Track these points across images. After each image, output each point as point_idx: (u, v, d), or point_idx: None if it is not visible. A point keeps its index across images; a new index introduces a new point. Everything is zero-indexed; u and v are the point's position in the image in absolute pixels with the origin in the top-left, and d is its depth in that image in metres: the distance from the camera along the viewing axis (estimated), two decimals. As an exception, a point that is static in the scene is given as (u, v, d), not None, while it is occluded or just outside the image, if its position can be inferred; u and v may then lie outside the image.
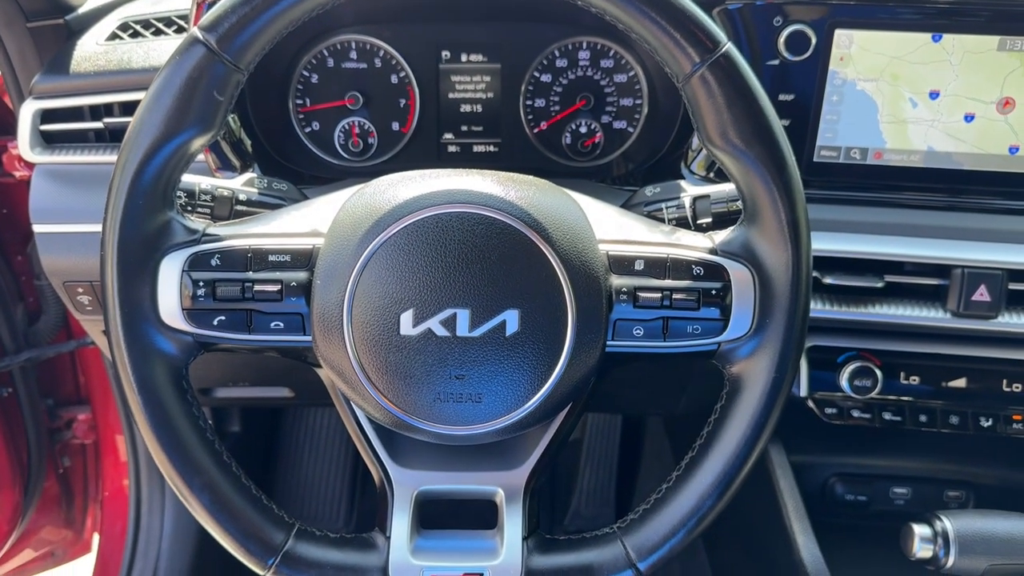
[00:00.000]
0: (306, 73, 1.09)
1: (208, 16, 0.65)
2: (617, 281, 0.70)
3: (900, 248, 0.96)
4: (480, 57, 1.10)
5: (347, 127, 1.10)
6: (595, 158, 1.13)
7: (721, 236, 0.72)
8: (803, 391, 1.04)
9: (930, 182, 0.96)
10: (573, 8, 0.68)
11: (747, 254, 0.70)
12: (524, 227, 0.67)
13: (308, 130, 1.11)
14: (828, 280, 0.97)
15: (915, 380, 1.03)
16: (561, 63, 1.10)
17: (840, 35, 0.91)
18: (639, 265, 0.70)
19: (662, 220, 0.84)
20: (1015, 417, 1.03)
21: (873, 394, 1.01)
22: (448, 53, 1.10)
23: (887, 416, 1.04)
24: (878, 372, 1.01)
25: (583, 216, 0.71)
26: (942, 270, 0.96)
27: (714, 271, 0.70)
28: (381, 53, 1.09)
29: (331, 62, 1.09)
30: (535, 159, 1.12)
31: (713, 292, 0.69)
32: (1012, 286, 0.95)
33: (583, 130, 1.12)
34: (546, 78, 1.10)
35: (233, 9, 0.65)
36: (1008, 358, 1.02)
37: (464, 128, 1.12)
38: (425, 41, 1.09)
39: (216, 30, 0.65)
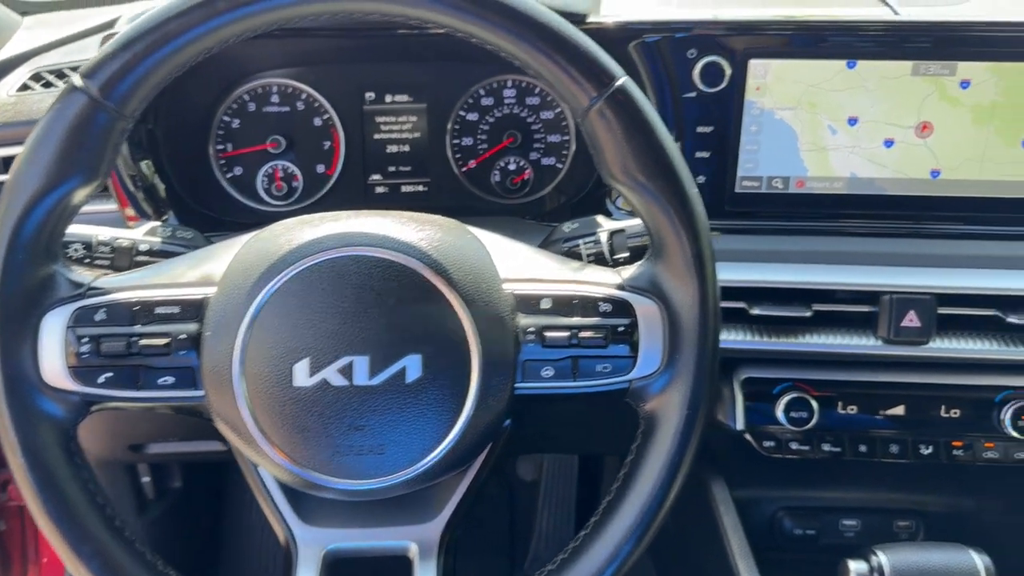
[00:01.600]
0: (227, 118, 1.07)
1: (89, 63, 0.64)
2: (524, 321, 0.68)
3: (827, 276, 0.95)
4: (405, 97, 1.09)
5: (270, 171, 1.09)
6: (525, 195, 1.12)
7: (629, 272, 0.70)
8: (739, 425, 1.02)
9: (854, 208, 0.96)
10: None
11: (654, 289, 0.68)
12: (424, 268, 0.65)
13: (230, 175, 1.09)
14: (756, 311, 0.95)
15: (853, 410, 1.01)
16: (487, 101, 1.09)
17: (755, 65, 0.91)
18: (546, 304, 0.68)
19: (579, 257, 0.82)
20: (955, 444, 1.01)
21: (810, 425, 0.99)
22: (373, 94, 1.09)
23: (826, 447, 1.02)
24: (814, 403, 0.99)
25: (487, 255, 0.69)
26: (871, 297, 0.95)
27: (621, 307, 0.68)
28: (304, 96, 1.08)
29: (252, 106, 1.08)
30: (465, 198, 1.11)
31: (620, 329, 0.68)
32: (942, 311, 0.94)
33: (512, 167, 1.11)
34: (472, 116, 1.09)
35: (114, 55, 0.63)
36: (945, 383, 1.01)
37: (392, 169, 1.10)
38: (348, 82, 1.08)
39: (97, 77, 0.63)
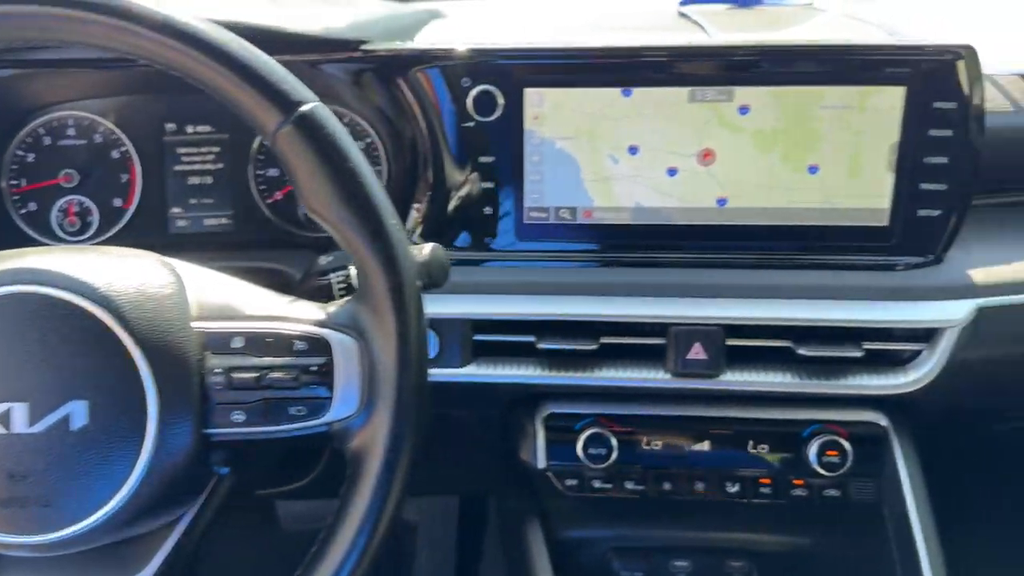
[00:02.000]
0: (20, 152, 1.04)
1: None
2: (212, 361, 0.64)
3: (615, 308, 0.92)
4: (207, 128, 1.06)
5: (64, 206, 1.05)
6: (332, 228, 1.08)
7: (334, 307, 0.66)
8: (541, 463, 0.98)
9: (642, 239, 0.93)
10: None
11: (354, 325, 0.65)
12: (91, 305, 0.61)
13: (24, 211, 1.05)
14: (543, 345, 0.92)
15: (657, 445, 0.98)
16: (293, 131, 1.06)
17: (531, 94, 0.89)
18: (237, 342, 0.64)
19: (331, 291, 0.79)
20: (763, 481, 0.98)
21: (609, 462, 0.96)
22: (173, 125, 1.05)
23: (629, 485, 0.98)
24: (612, 439, 0.96)
25: (178, 291, 0.65)
26: (660, 329, 0.92)
27: (318, 345, 0.64)
28: (101, 128, 1.04)
29: (48, 140, 1.04)
30: (271, 230, 1.07)
31: (314, 368, 0.64)
32: (732, 342, 0.91)
33: (319, 199, 1.07)
34: (280, 148, 1.06)
35: None
36: (753, 417, 0.98)
37: (193, 201, 1.07)
38: (148, 114, 1.05)
39: None
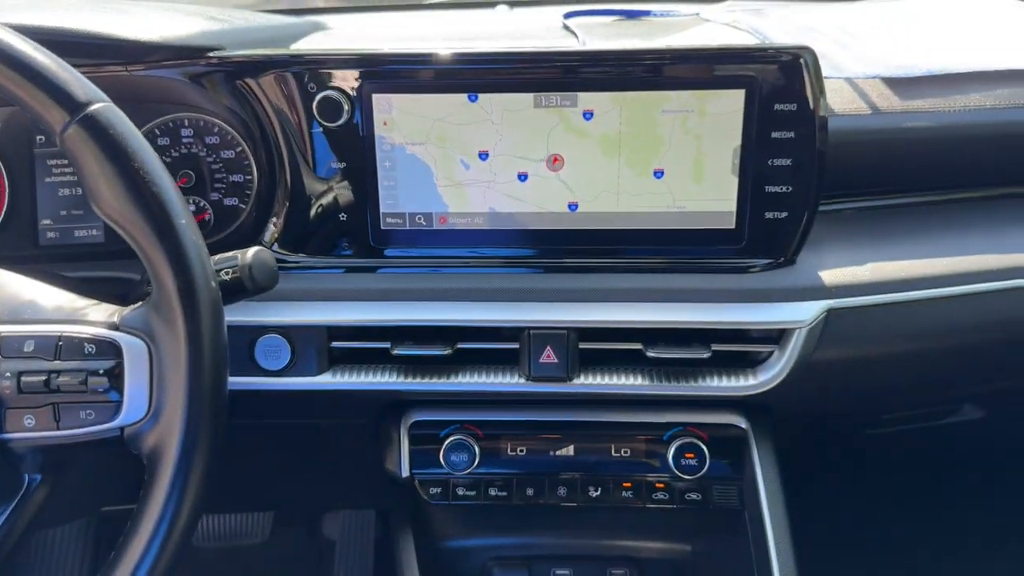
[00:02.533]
0: None
1: None
2: (4, 365, 0.63)
3: (470, 313, 0.91)
4: (77, 139, 1.05)
5: (-71, 219, 1.04)
6: (207, 235, 1.08)
7: (129, 310, 0.66)
8: (405, 472, 0.98)
9: (497, 244, 0.93)
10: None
11: (145, 328, 0.64)
12: None
13: None
14: (398, 351, 0.92)
15: (521, 451, 0.98)
16: (163, 141, 1.06)
17: (379, 99, 0.89)
18: (29, 346, 0.64)
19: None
20: (625, 485, 0.97)
21: (471, 469, 0.95)
22: (43, 137, 1.05)
23: (493, 492, 0.97)
24: (475, 446, 0.95)
25: None
26: (515, 333, 0.92)
27: (108, 349, 0.64)
28: (-31, 140, 1.04)
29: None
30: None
31: (102, 372, 0.63)
32: (585, 346, 0.91)
33: (191, 208, 1.07)
34: (148, 157, 1.06)
35: None
36: (617, 421, 0.98)
37: (64, 213, 1.06)
38: (18, 125, 1.05)
39: None
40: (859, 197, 1.01)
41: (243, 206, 1.08)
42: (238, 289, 0.74)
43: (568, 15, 1.26)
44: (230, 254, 0.77)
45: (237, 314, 0.92)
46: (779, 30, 1.15)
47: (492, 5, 1.42)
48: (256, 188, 1.06)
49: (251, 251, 0.73)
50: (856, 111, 0.97)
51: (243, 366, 0.92)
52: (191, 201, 1.07)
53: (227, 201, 1.08)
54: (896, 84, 1.00)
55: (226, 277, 0.75)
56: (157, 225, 0.62)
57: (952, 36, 1.14)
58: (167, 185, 0.63)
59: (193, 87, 0.95)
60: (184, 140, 1.06)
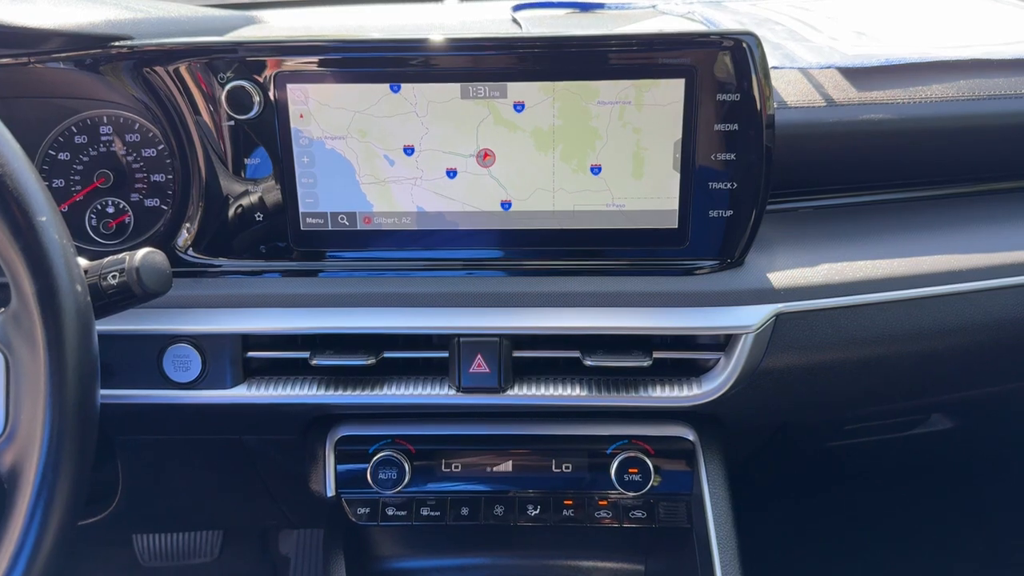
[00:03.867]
0: None
1: None
2: None
3: (394, 320, 0.85)
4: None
5: None
6: (125, 240, 1.01)
7: (-14, 318, 0.60)
8: (330, 491, 0.91)
9: (426, 245, 0.87)
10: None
11: (3, 338, 0.58)
12: None
13: None
14: (316, 361, 0.85)
15: (455, 467, 0.91)
16: (80, 139, 1.00)
17: (294, 90, 0.83)
18: None
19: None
20: (566, 502, 0.91)
21: (403, 487, 0.89)
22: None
23: (425, 512, 0.91)
24: (405, 462, 0.89)
25: None
26: (444, 341, 0.86)
27: (-39, 360, 0.58)
28: None
29: None
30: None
31: (-46, 385, 0.57)
32: (519, 354, 0.85)
33: (110, 210, 1.01)
34: (64, 156, 1.00)
35: None
36: (557, 434, 0.92)
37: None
38: None
39: None
40: (813, 195, 0.95)
41: (165, 207, 1.02)
42: (125, 295, 0.68)
43: (517, 7, 1.21)
44: (118, 256, 0.71)
45: (144, 322, 0.86)
46: (734, 21, 1.10)
47: (441, -1, 1.37)
48: (174, 188, 1.00)
49: (140, 253, 0.67)
50: (810, 103, 0.92)
51: (150, 378, 0.85)
52: (109, 203, 1.01)
53: (148, 202, 1.01)
54: (853, 75, 0.95)
55: (112, 281, 0.69)
56: (13, 222, 0.56)
57: (916, 27, 1.08)
58: (27, 179, 0.57)
59: (99, 80, 0.89)
60: (103, 138, 1.00)
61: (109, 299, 0.67)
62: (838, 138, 0.92)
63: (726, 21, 1.09)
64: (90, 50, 0.85)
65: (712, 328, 0.83)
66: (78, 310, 0.58)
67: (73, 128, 1.00)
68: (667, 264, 0.86)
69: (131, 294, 0.68)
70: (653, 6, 1.25)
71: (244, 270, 0.89)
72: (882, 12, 1.16)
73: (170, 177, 1.01)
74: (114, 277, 0.68)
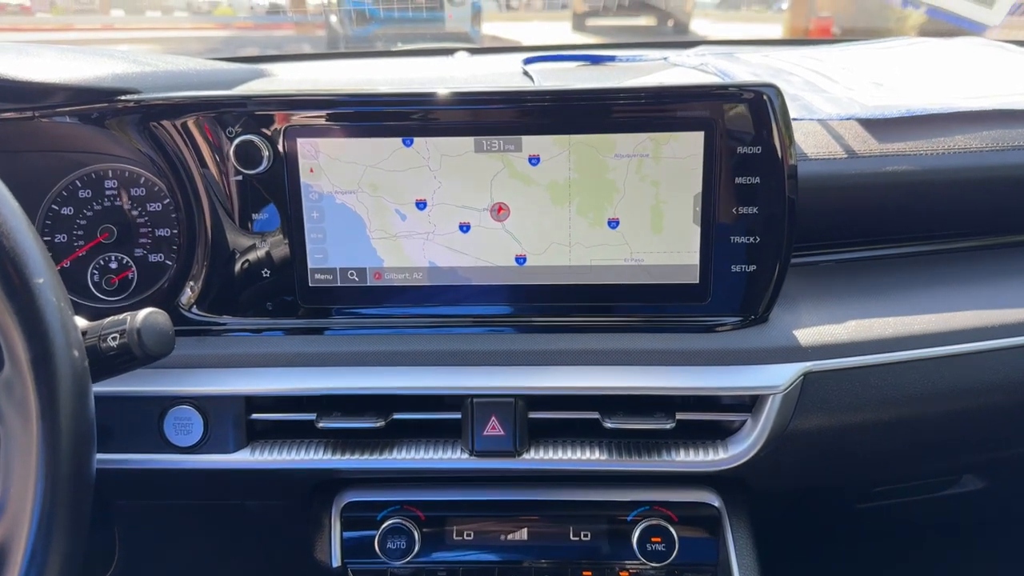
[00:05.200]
0: None
1: None
2: None
3: (405, 380, 0.82)
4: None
5: None
6: (128, 296, 0.99)
7: (-21, 384, 0.56)
8: (335, 561, 0.87)
9: (437, 301, 0.84)
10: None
11: None
12: None
13: None
14: (323, 424, 0.82)
15: (467, 535, 0.87)
16: (84, 193, 0.98)
17: (304, 144, 0.81)
18: None
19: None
20: (585, 574, 0.86)
21: (412, 557, 0.84)
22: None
23: (434, 583, 0.86)
24: (415, 530, 0.84)
25: None
26: (457, 402, 0.82)
27: (-50, 429, 0.54)
28: None
29: None
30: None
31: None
32: (535, 415, 0.81)
33: (113, 265, 0.98)
34: (67, 211, 0.98)
35: None
36: (572, 500, 0.87)
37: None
38: None
39: None
40: (836, 248, 0.92)
41: (169, 262, 0.99)
42: (126, 357, 0.65)
43: (528, 60, 1.20)
44: (120, 317, 0.68)
45: (145, 383, 0.83)
46: (749, 73, 1.08)
47: (451, 52, 1.36)
48: (179, 244, 0.98)
49: (141, 314, 0.64)
50: (831, 155, 0.90)
51: (150, 442, 0.82)
52: (112, 258, 0.99)
53: (152, 257, 0.99)
54: (874, 126, 0.93)
55: (112, 343, 0.66)
56: (8, 283, 0.53)
57: (932, 78, 1.07)
58: (24, 239, 0.55)
59: (104, 134, 0.87)
60: (107, 192, 0.98)
61: (109, 362, 0.64)
62: (860, 190, 0.90)
63: (740, 73, 1.08)
64: (96, 104, 0.84)
65: (738, 388, 0.80)
66: (74, 377, 0.54)
67: (77, 182, 0.98)
68: (688, 321, 0.83)
69: (132, 356, 0.65)
70: (665, 58, 1.24)
71: (249, 328, 0.85)
72: (895, 63, 1.15)
73: (175, 232, 0.99)
74: (114, 339, 0.65)
